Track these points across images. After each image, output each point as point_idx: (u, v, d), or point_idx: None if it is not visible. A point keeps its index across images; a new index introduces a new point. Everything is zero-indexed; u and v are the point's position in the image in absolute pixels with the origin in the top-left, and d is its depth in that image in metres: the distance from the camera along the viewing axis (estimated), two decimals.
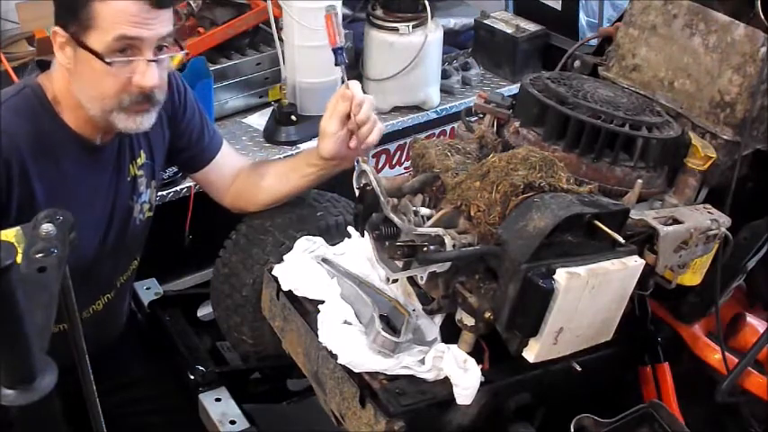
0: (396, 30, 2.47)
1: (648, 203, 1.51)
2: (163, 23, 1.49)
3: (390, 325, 1.40)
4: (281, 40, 2.44)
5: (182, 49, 1.60)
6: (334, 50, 1.70)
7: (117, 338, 1.91)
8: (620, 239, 1.28)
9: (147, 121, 1.56)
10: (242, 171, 1.88)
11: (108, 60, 1.45)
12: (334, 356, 1.37)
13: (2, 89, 1.58)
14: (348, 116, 1.64)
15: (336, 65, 1.70)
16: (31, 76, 1.58)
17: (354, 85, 1.65)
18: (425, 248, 1.28)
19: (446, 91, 2.72)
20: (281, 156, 2.36)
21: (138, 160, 1.73)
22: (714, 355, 1.62)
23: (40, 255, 0.80)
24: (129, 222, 1.74)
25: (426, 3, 2.46)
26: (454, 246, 1.29)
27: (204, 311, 2.15)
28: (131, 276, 1.87)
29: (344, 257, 1.59)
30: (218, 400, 1.80)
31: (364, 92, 1.67)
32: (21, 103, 1.53)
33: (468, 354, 1.35)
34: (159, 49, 1.51)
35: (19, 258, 0.77)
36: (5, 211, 1.47)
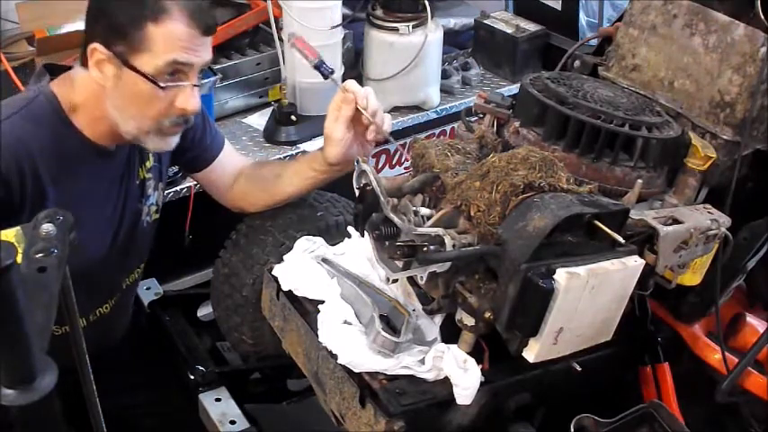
0: (396, 30, 2.47)
1: (648, 203, 1.51)
2: (208, 50, 1.54)
3: (390, 325, 1.40)
4: (281, 40, 2.44)
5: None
6: (316, 67, 1.74)
7: (119, 339, 1.91)
8: (620, 239, 1.28)
9: (174, 141, 1.61)
10: (243, 171, 1.88)
11: (163, 85, 1.47)
12: (334, 356, 1.37)
13: (2, 90, 1.59)
14: (353, 119, 1.64)
15: (325, 78, 1.73)
16: (42, 83, 1.58)
17: (351, 84, 1.65)
18: (425, 248, 1.27)
19: (446, 91, 2.72)
20: (281, 156, 2.37)
21: (147, 163, 1.75)
22: (714, 355, 1.62)
23: (40, 255, 0.80)
24: (137, 225, 1.75)
25: (426, 3, 2.45)
26: (454, 246, 1.28)
27: (204, 311, 2.15)
28: (138, 278, 1.88)
29: (344, 257, 1.59)
30: (218, 400, 1.81)
31: None
32: (35, 111, 1.54)
33: (468, 354, 1.35)
34: (200, 73, 1.55)
35: (19, 258, 0.77)
36: (19, 216, 1.48)
